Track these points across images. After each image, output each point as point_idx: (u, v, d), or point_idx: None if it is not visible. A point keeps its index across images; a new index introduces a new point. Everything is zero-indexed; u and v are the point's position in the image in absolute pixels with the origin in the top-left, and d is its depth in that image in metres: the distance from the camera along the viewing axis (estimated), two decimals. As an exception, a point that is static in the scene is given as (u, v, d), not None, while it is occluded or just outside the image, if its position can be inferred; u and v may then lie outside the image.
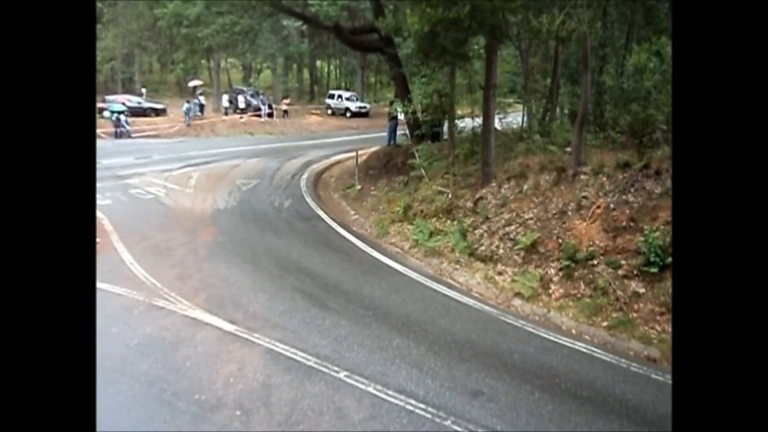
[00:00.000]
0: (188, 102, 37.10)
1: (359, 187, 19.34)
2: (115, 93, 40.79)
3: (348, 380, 7.68)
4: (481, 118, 16.20)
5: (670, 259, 9.63)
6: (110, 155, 24.88)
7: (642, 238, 10.14)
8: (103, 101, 35.64)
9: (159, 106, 39.44)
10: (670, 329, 8.95)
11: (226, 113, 39.27)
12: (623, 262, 10.32)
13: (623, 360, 8.51)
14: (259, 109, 39.35)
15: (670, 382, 7.82)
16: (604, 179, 11.99)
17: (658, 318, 9.27)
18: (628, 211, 10.95)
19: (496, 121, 16.84)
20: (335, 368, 7.94)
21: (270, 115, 39.39)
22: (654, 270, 9.76)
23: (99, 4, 36.02)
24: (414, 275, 11.86)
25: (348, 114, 43.12)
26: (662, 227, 10.14)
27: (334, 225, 15.71)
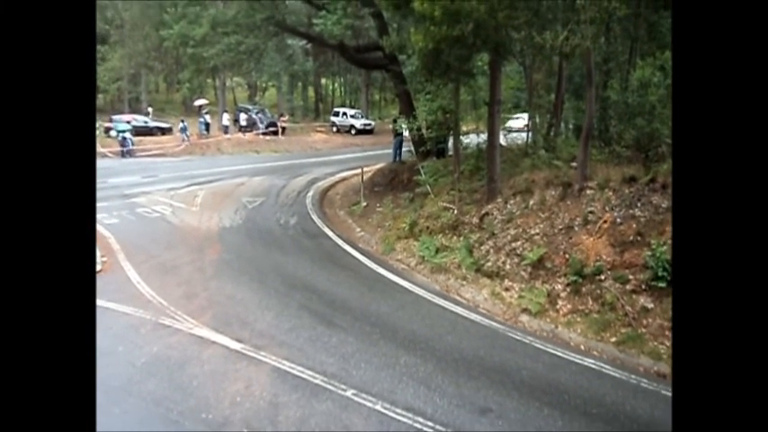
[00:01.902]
0: (182, 121, 37.42)
1: (364, 204, 19.35)
2: (122, 112, 41.15)
3: (355, 398, 7.62)
4: (486, 134, 16.24)
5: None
6: (117, 174, 25.03)
7: (650, 253, 10.08)
8: (110, 120, 35.93)
9: (165, 125, 39.71)
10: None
11: (225, 132, 39.46)
12: (631, 277, 10.25)
13: (633, 376, 8.43)
14: (270, 126, 39.58)
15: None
16: (611, 194, 11.95)
17: (667, 333, 9.17)
18: (635, 226, 10.90)
19: (501, 136, 16.86)
20: (343, 386, 7.90)
21: (275, 133, 39.59)
22: (662, 285, 9.69)
23: (106, 26, 36.43)
24: (420, 292, 11.82)
25: (353, 131, 43.27)
26: (669, 241, 10.08)
27: (339, 242, 15.70)
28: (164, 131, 38.82)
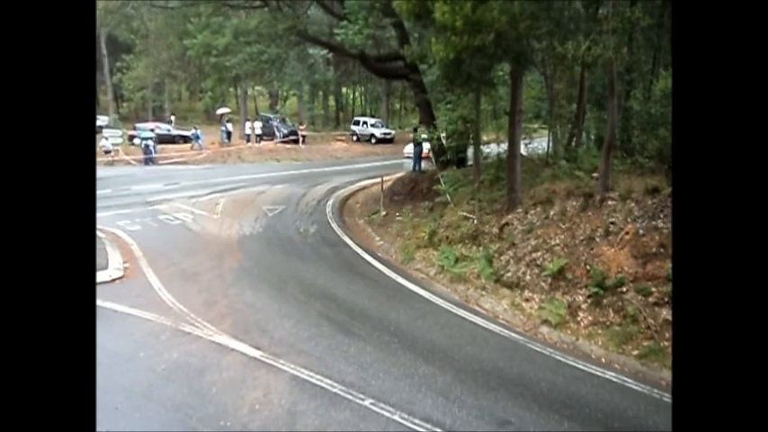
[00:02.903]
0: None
1: (384, 213, 19.37)
2: (146, 120, 41.68)
3: (374, 407, 7.60)
4: (506, 143, 16.19)
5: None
6: (139, 181, 25.34)
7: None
8: (134, 128, 36.41)
9: (187, 133, 40.18)
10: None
11: (248, 140, 39.80)
12: (653, 289, 10.11)
13: (656, 390, 8.29)
14: (290, 134, 39.87)
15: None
16: (633, 204, 11.83)
17: (691, 347, 9.03)
18: (657, 237, 10.77)
19: (522, 146, 16.78)
20: (361, 395, 7.88)
21: (296, 141, 39.84)
22: (685, 297, 9.54)
23: (132, 36, 36.95)
24: (439, 302, 11.78)
25: (373, 140, 43.40)
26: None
27: (359, 251, 15.72)
28: (186, 139, 39.26)
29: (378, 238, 17.31)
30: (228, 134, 39.61)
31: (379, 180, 21.93)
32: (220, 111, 43.52)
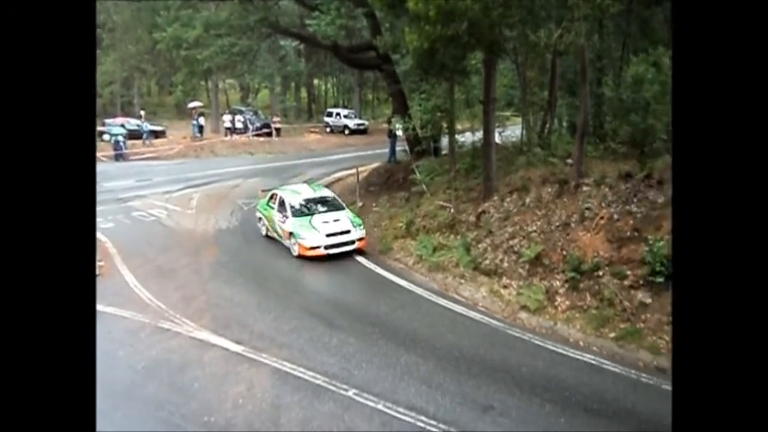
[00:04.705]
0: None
1: (360, 204, 19.34)
2: (114, 116, 40.96)
3: (357, 398, 7.64)
4: (481, 132, 16.26)
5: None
6: (111, 178, 24.91)
7: (647, 248, 10.12)
8: (103, 124, 35.79)
9: (159, 128, 39.59)
10: (678, 339, 8.92)
11: (227, 134, 39.42)
12: (629, 272, 10.29)
13: (633, 371, 8.47)
14: (263, 127, 39.53)
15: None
16: (607, 190, 12.00)
17: (666, 327, 9.22)
18: (631, 222, 10.95)
19: (496, 134, 16.88)
20: (344, 386, 7.91)
21: (269, 134, 39.52)
22: (660, 280, 9.74)
23: (98, 30, 36.29)
24: (419, 291, 11.84)
25: (347, 132, 43.21)
26: (666, 236, 10.12)
27: (337, 242, 15.67)
28: (157, 134, 38.69)
29: (355, 230, 17.27)
30: (200, 128, 39.07)
31: (354, 171, 21.87)
32: (192, 105, 42.91)
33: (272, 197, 15.77)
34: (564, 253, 11.25)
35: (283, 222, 14.55)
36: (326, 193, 16.65)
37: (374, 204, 18.89)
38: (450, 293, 11.80)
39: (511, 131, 21.45)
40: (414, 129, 19.84)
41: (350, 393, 7.74)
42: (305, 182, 19.53)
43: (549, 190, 13.12)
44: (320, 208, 15.16)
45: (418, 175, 17.72)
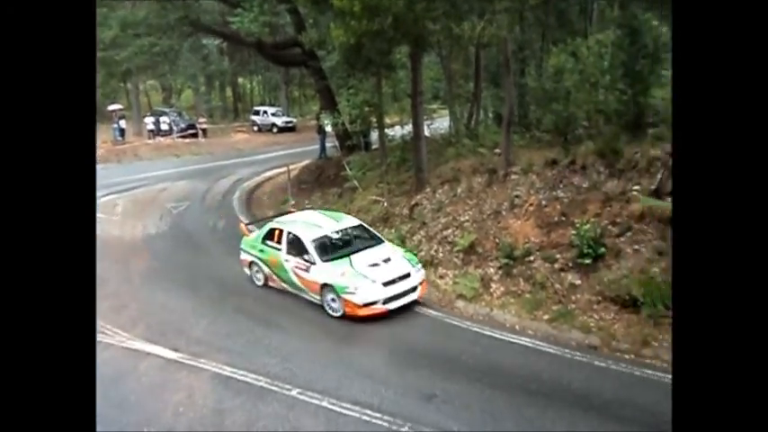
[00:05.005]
0: None
1: (293, 202, 19.16)
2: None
3: (301, 396, 7.61)
4: (410, 125, 16.41)
5: (603, 249, 10.06)
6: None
7: (574, 232, 10.50)
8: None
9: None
10: (607, 317, 9.32)
11: (150, 137, 38.14)
12: (558, 256, 10.66)
13: (567, 350, 8.79)
14: (189, 128, 38.44)
15: (612, 367, 8.16)
16: (534, 177, 12.37)
17: (595, 306, 9.62)
18: (558, 207, 11.33)
19: (425, 127, 17.08)
20: (287, 386, 7.86)
21: (195, 135, 38.53)
22: (587, 261, 10.13)
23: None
24: (357, 286, 11.82)
25: (275, 130, 42.59)
26: (592, 219, 10.55)
27: (271, 242, 15.49)
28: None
29: (289, 228, 17.11)
30: (122, 131, 37.65)
31: (284, 169, 21.64)
32: (111, 107, 41.27)
33: (270, 234, 11.87)
34: (496, 240, 11.53)
35: (307, 270, 10.72)
36: (352, 221, 12.43)
37: (307, 202, 18.76)
38: (387, 287, 11.85)
39: (439, 124, 21.75)
40: (343, 124, 19.80)
41: (293, 393, 7.70)
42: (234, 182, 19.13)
43: (480, 180, 13.41)
44: (357, 244, 11.46)
45: (350, 170, 17.74)
